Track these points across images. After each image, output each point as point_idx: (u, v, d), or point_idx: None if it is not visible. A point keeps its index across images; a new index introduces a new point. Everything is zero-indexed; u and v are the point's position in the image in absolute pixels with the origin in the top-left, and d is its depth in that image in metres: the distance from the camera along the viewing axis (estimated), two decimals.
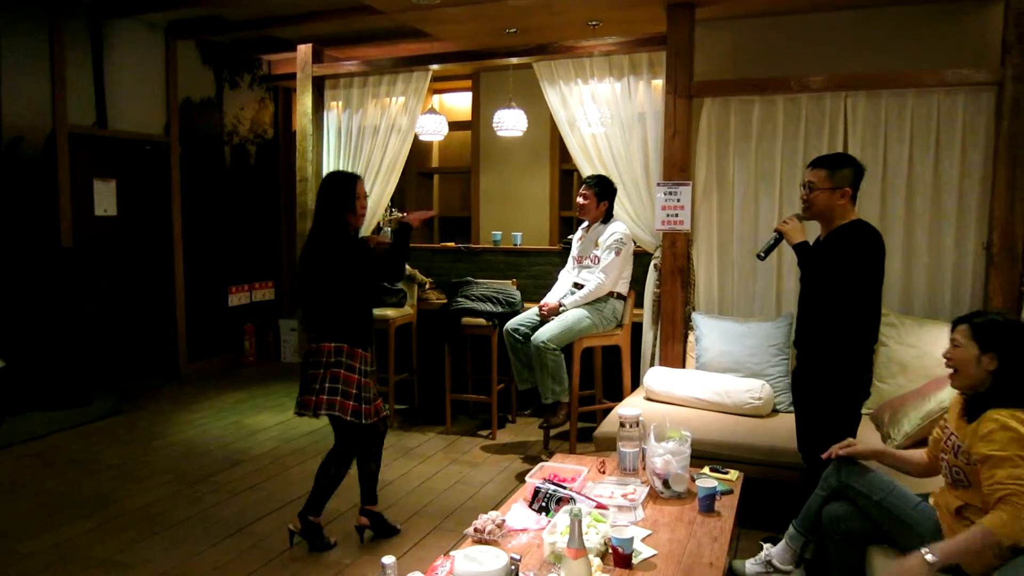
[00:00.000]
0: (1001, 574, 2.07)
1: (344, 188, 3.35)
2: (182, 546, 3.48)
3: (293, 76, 5.74)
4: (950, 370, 2.35)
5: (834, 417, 3.02)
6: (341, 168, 5.57)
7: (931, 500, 2.45)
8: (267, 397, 6.13)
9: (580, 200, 4.58)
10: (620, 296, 4.59)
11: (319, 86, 5.63)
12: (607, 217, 4.58)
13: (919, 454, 2.55)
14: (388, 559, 1.67)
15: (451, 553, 1.91)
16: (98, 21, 5.91)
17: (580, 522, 1.99)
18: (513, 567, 1.79)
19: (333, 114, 5.64)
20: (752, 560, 2.75)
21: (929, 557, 1.99)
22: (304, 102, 5.61)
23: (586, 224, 4.67)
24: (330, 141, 5.65)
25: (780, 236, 3.14)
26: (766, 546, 2.72)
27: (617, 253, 4.45)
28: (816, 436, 3.04)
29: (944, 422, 2.46)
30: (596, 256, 4.53)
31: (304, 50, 5.61)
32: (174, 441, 5.00)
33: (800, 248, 3.04)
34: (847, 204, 3.01)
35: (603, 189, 4.53)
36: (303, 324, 3.48)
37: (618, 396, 4.73)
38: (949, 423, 2.41)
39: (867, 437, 3.43)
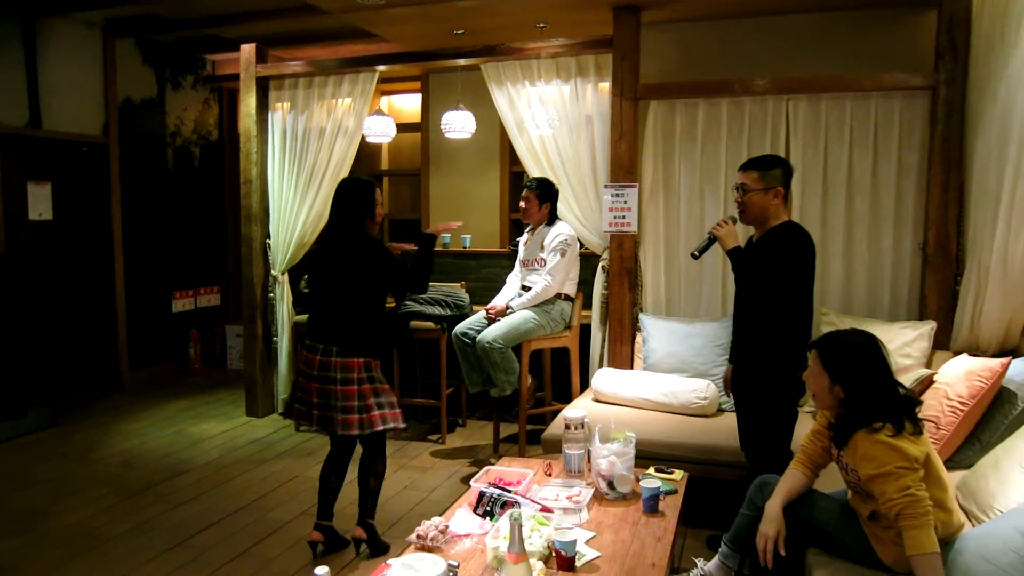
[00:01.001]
0: None
1: (363, 194, 3.29)
2: (118, 562, 3.36)
3: (237, 77, 5.62)
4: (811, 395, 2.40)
5: (771, 415, 3.08)
6: (287, 170, 5.48)
7: (848, 498, 2.48)
8: (212, 405, 5.99)
9: (522, 204, 4.58)
10: (568, 297, 4.60)
11: (263, 87, 5.53)
12: (551, 219, 4.58)
13: (805, 476, 2.51)
14: (321, 570, 1.62)
15: (389, 562, 1.88)
16: (31, 19, 5.72)
17: (520, 527, 1.97)
18: (451, 573, 1.76)
19: (278, 115, 5.54)
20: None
21: None
22: (248, 103, 5.50)
23: (531, 227, 4.67)
24: (275, 143, 5.55)
25: (714, 238, 3.17)
26: (700, 562, 2.72)
27: (562, 255, 4.45)
28: (755, 434, 3.09)
29: (824, 418, 2.50)
30: (542, 259, 4.54)
31: (248, 50, 5.50)
32: (113, 453, 4.85)
33: (733, 253, 3.08)
34: (780, 204, 3.07)
35: (544, 191, 4.54)
36: (309, 332, 3.37)
37: (567, 398, 4.73)
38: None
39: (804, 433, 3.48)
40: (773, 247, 3.02)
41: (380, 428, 3.27)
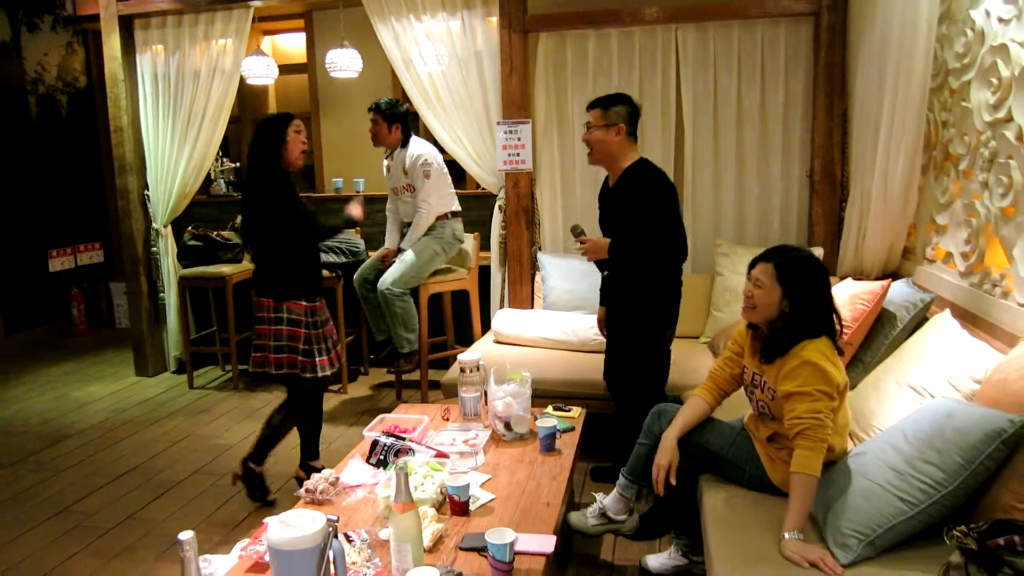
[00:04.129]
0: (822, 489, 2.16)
1: (269, 130, 3.14)
2: None
3: (99, 18, 5.18)
4: (748, 307, 2.37)
5: (636, 349, 3.15)
6: (161, 116, 5.14)
7: (745, 421, 2.53)
8: (99, 367, 5.69)
9: (370, 128, 4.36)
10: (454, 214, 4.48)
11: (128, 27, 5.11)
12: (405, 140, 4.39)
13: (707, 403, 2.53)
14: (185, 534, 1.52)
15: (265, 520, 1.79)
16: None
17: (407, 475, 1.90)
18: (331, 528, 1.69)
19: (147, 57, 5.15)
20: (587, 511, 2.76)
21: (793, 535, 2.01)
22: (112, 45, 5.09)
23: (388, 152, 4.49)
24: (147, 87, 5.17)
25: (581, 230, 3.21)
26: (599, 496, 2.73)
27: (427, 176, 4.31)
28: (620, 367, 3.19)
29: (736, 346, 2.52)
30: (408, 184, 4.39)
31: None
32: None
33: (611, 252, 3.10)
34: (624, 142, 3.10)
35: (390, 113, 4.32)
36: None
37: (470, 341, 4.68)
38: (745, 359, 2.47)
39: (701, 364, 3.54)
40: (628, 189, 3.07)
41: (274, 372, 3.21)
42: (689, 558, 2.66)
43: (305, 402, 3.37)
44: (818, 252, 3.99)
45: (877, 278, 3.52)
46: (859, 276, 3.64)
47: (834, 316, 2.30)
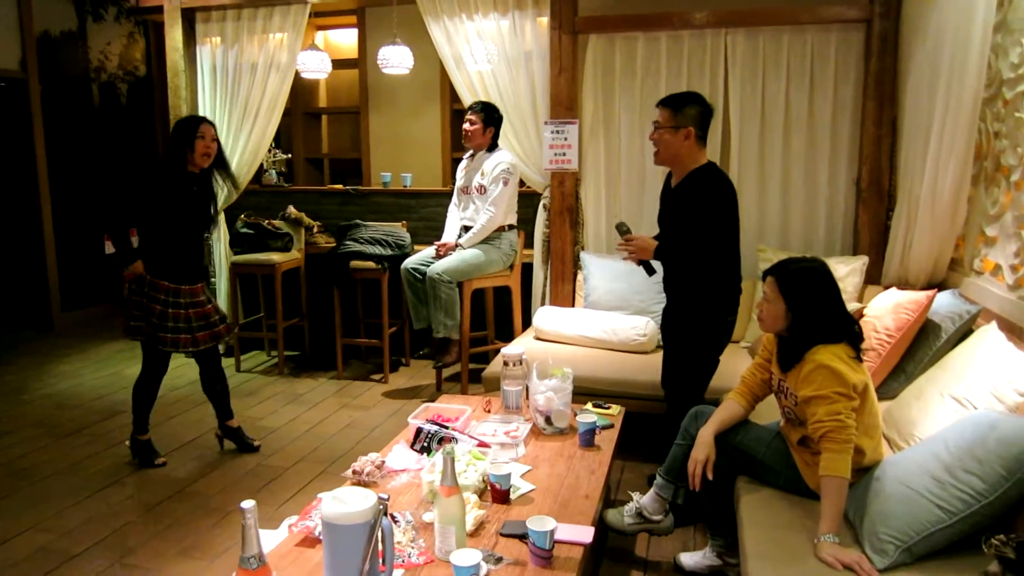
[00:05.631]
0: (855, 492, 2.19)
1: (181, 131, 3.55)
2: (52, 500, 3.33)
3: (162, 9, 5.35)
4: (759, 319, 2.44)
5: (692, 358, 3.14)
6: (219, 107, 5.29)
7: (780, 426, 2.55)
8: None
9: (466, 126, 4.47)
10: (511, 227, 4.57)
11: (189, 19, 5.28)
12: (492, 145, 4.51)
13: (741, 407, 2.57)
14: (247, 503, 1.61)
15: (319, 495, 1.87)
16: None
17: (453, 460, 1.98)
18: (382, 506, 1.76)
19: (207, 49, 5.31)
20: (624, 509, 2.80)
21: (828, 538, 2.05)
22: (173, 36, 5.26)
23: (471, 153, 4.58)
24: (205, 79, 5.33)
25: (643, 261, 3.12)
26: (636, 495, 2.77)
27: (505, 183, 4.39)
28: (676, 375, 3.15)
29: (766, 351, 2.55)
30: (482, 186, 4.46)
31: None
32: (46, 394, 4.75)
33: (659, 250, 3.06)
34: (693, 145, 3.00)
35: (489, 115, 4.44)
36: None
37: (510, 337, 4.75)
38: (772, 366, 2.50)
39: (741, 368, 3.56)
40: (693, 192, 2.99)
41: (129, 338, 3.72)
42: (724, 559, 2.70)
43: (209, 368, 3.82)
44: (862, 261, 3.99)
45: (922, 288, 3.51)
46: (904, 286, 3.62)
47: (848, 322, 2.32)
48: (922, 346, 3.15)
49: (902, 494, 2.07)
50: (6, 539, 3.01)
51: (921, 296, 3.18)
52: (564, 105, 4.51)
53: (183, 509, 3.25)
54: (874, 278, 4.01)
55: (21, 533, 3.05)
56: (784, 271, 2.37)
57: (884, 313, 3.23)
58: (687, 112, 2.97)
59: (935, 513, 1.97)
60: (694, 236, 2.97)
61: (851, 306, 3.47)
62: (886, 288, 3.63)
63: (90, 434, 4.09)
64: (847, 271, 3.94)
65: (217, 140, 3.63)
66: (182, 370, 5.24)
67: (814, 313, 2.29)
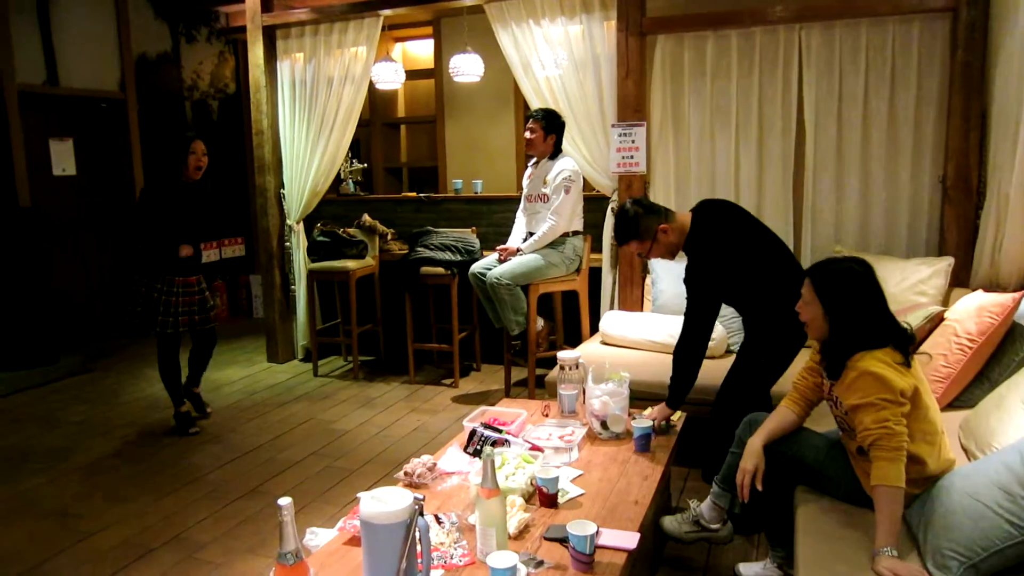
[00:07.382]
0: (919, 503, 2.07)
1: (175, 148, 4.15)
2: (136, 497, 3.51)
3: (246, 29, 5.59)
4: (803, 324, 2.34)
5: (764, 365, 3.11)
6: (297, 120, 5.49)
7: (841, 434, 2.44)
8: (235, 352, 6.12)
9: (527, 135, 4.49)
10: (576, 233, 4.55)
11: (270, 36, 5.49)
12: (555, 152, 4.50)
13: (794, 413, 2.47)
14: (284, 500, 1.65)
15: (359, 494, 1.91)
16: None
17: (493, 463, 1.98)
18: (417, 506, 1.78)
19: (287, 65, 5.51)
20: (682, 517, 2.74)
21: (886, 551, 1.95)
22: (256, 53, 5.48)
23: (534, 160, 4.59)
24: (284, 93, 5.53)
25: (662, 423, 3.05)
26: (693, 504, 2.71)
27: (567, 192, 4.39)
28: (738, 381, 3.15)
29: (816, 354, 2.44)
30: (545, 194, 4.46)
31: None
32: (138, 397, 5.01)
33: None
34: (673, 231, 3.05)
35: (550, 122, 4.44)
36: None
37: (578, 342, 4.72)
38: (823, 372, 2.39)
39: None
40: (696, 263, 3.04)
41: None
42: (784, 571, 2.60)
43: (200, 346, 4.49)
44: (947, 262, 3.78)
45: (1015, 291, 3.29)
46: (994, 288, 3.40)
47: (893, 325, 2.20)
48: (1008, 351, 2.97)
49: (969, 507, 1.94)
50: (92, 532, 3.19)
51: (1007, 298, 2.98)
52: (631, 107, 4.46)
53: (252, 508, 3.37)
54: (962, 280, 3.79)
55: (106, 528, 3.22)
56: (821, 272, 2.27)
57: (966, 317, 3.05)
58: (647, 226, 3.04)
59: (1005, 529, 1.84)
60: (733, 287, 3.06)
61: (929, 310, 3.30)
62: (974, 291, 3.43)
63: (174, 436, 4.29)
64: (930, 272, 3.74)
65: (207, 155, 4.19)
66: (261, 375, 5.43)
67: (853, 317, 2.18)
